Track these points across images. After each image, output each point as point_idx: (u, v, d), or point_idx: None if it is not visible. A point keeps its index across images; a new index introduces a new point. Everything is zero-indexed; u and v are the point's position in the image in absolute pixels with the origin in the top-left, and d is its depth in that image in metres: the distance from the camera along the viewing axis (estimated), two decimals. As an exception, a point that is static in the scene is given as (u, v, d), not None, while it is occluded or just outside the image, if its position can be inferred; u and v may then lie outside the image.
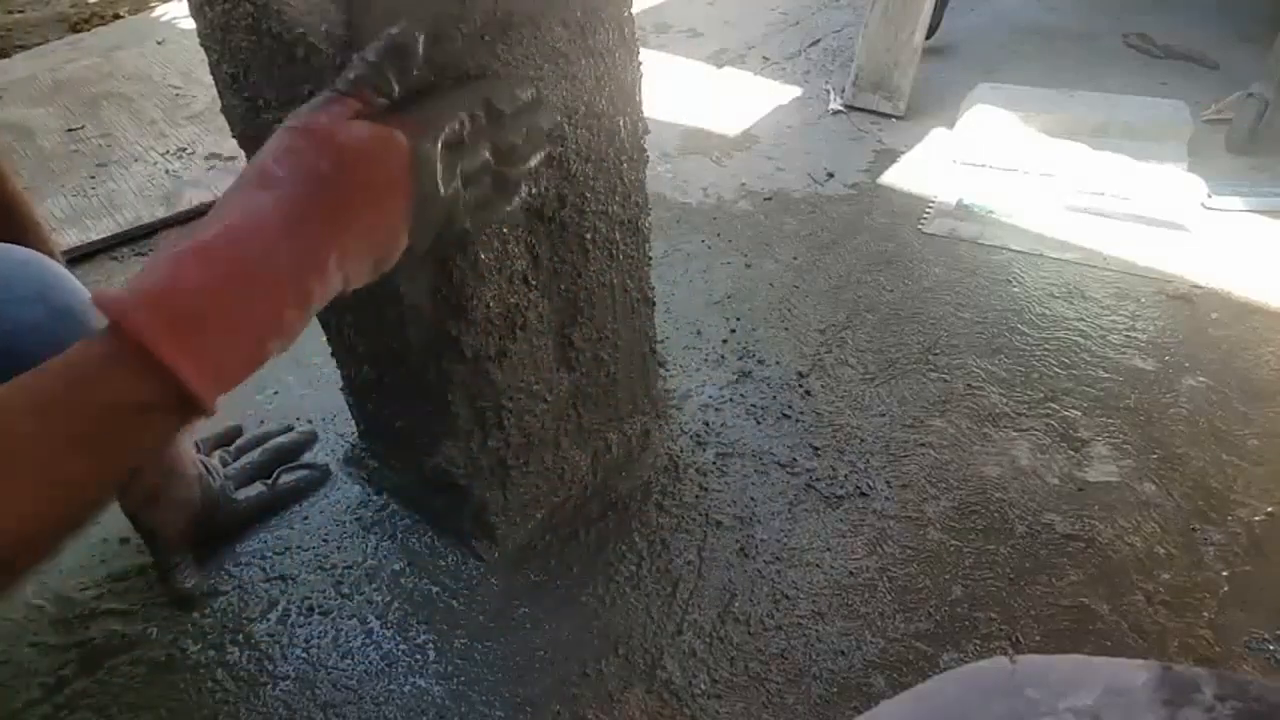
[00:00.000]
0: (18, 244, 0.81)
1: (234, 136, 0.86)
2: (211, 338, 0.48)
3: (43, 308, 0.75)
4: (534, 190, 0.80)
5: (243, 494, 1.06)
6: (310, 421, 1.21)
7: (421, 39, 0.59)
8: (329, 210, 0.52)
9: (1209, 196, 1.58)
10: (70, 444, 0.46)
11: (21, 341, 0.71)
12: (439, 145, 0.58)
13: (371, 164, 0.55)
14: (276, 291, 0.50)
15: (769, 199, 1.68)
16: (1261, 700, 0.35)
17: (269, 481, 1.08)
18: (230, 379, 0.49)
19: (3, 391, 0.45)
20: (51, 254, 0.86)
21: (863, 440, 1.15)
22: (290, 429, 1.17)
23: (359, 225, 0.54)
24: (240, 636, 0.95)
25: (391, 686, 0.90)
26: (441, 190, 0.59)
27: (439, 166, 0.58)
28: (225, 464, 1.09)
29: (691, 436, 1.16)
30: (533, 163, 0.68)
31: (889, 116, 1.95)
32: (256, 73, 0.76)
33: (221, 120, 0.88)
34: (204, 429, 1.18)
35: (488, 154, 0.63)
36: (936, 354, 1.29)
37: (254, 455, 1.11)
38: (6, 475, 0.44)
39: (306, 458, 1.15)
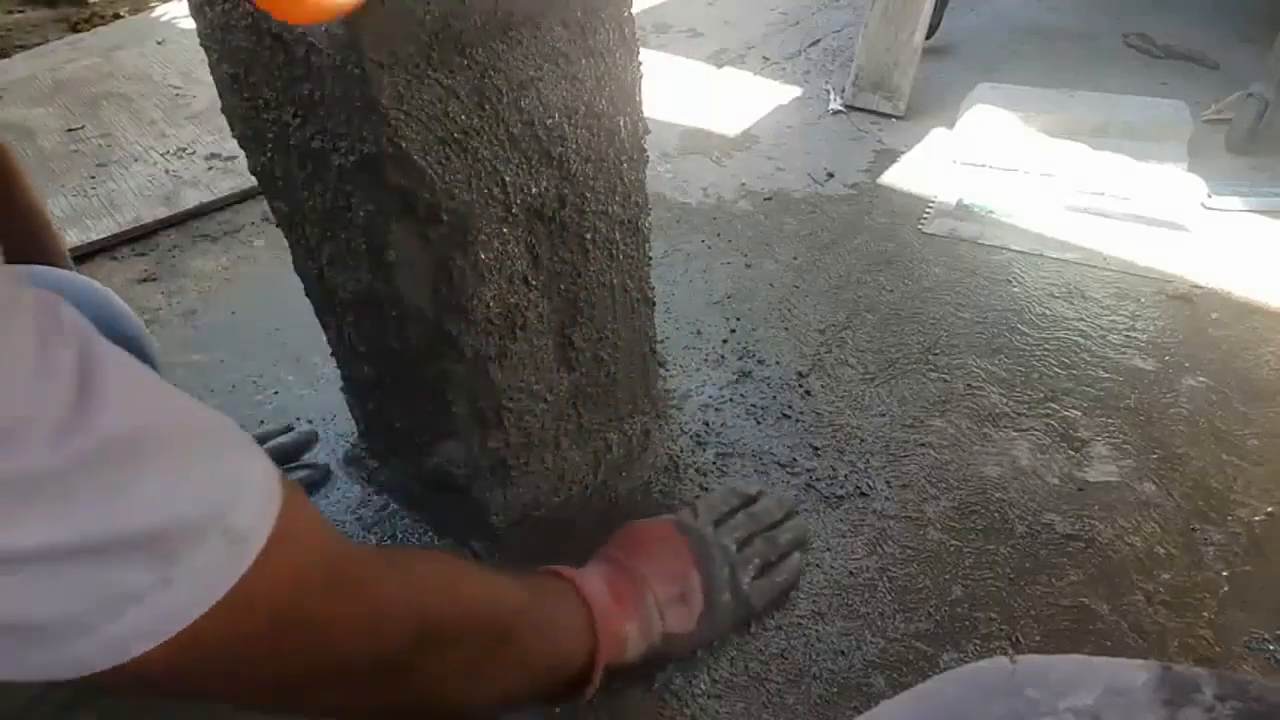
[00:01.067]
0: (37, 255, 0.82)
1: (234, 136, 0.86)
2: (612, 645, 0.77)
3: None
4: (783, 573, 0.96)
5: None
6: (310, 422, 1.21)
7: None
8: (633, 556, 0.88)
9: (1209, 196, 1.58)
10: (535, 673, 0.70)
11: None
12: (704, 524, 0.93)
13: (654, 534, 0.91)
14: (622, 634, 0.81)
15: (769, 199, 1.68)
16: (1261, 700, 0.35)
17: None
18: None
19: (524, 597, 0.70)
20: (69, 268, 0.87)
21: (863, 440, 1.15)
22: (289, 429, 1.17)
23: (664, 573, 0.86)
24: (240, 636, 0.95)
25: (391, 686, 0.90)
26: (721, 572, 0.88)
27: (708, 544, 0.89)
28: None
29: (691, 436, 1.16)
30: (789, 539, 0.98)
31: (889, 116, 1.95)
32: (256, 73, 0.76)
33: (221, 120, 0.88)
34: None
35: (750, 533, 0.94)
36: (936, 354, 1.29)
37: None
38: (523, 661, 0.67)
39: (307, 458, 1.15)
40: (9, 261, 0.80)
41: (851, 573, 0.99)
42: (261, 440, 1.14)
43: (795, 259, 1.51)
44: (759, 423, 1.18)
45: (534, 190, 0.82)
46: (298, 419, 1.22)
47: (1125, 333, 1.31)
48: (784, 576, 0.94)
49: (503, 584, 0.68)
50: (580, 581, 0.76)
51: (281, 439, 1.14)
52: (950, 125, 1.88)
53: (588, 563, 0.85)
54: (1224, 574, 0.97)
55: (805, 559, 0.98)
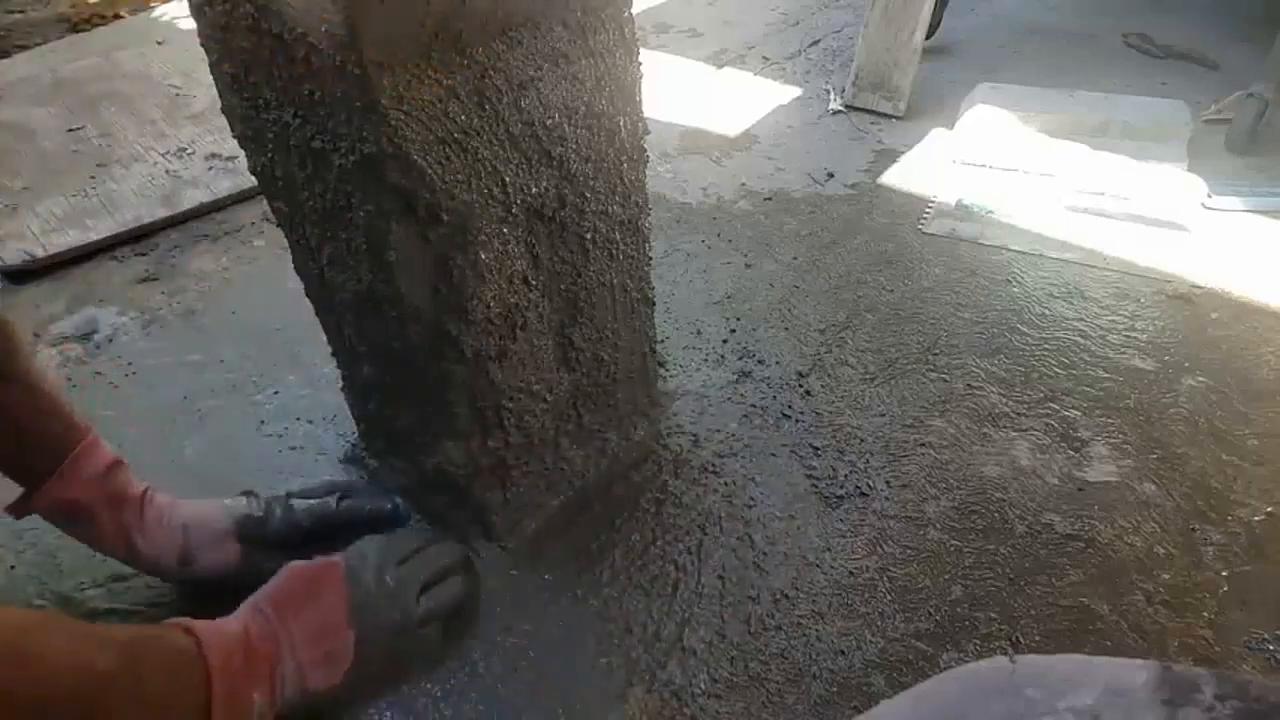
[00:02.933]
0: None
1: (234, 136, 0.86)
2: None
3: None
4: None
5: (301, 503, 0.96)
6: (311, 422, 1.21)
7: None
8: (285, 610, 0.80)
9: (1209, 196, 1.58)
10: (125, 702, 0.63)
11: None
12: (370, 564, 0.86)
13: (317, 579, 0.83)
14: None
15: (769, 199, 1.68)
16: (1261, 700, 0.35)
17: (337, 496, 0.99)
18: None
19: (116, 667, 0.63)
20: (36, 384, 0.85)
21: (863, 440, 1.15)
22: (345, 495, 1.02)
23: (316, 627, 0.80)
24: (240, 636, 0.95)
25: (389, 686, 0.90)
26: (385, 612, 0.84)
27: (374, 583, 0.84)
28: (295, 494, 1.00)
29: (691, 436, 1.16)
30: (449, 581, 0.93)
31: (889, 116, 1.95)
32: (256, 73, 0.76)
33: (221, 120, 0.88)
34: (214, 425, 1.18)
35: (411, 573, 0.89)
36: (936, 354, 1.29)
37: (329, 502, 0.99)
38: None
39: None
40: None
41: (851, 573, 0.99)
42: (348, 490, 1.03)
43: (795, 259, 1.51)
44: (759, 423, 1.18)
45: (534, 190, 0.82)
46: (297, 419, 1.22)
47: (1125, 333, 1.31)
48: (448, 594, 0.90)
49: (93, 649, 0.61)
50: (208, 644, 0.69)
51: (361, 500, 1.01)
52: (950, 125, 1.88)
53: (241, 607, 0.78)
54: (1224, 574, 0.97)
55: (467, 585, 0.94)
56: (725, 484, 1.10)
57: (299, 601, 0.79)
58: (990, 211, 1.59)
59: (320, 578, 0.82)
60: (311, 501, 0.97)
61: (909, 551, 1.01)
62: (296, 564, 0.83)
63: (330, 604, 0.81)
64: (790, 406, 1.21)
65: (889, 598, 0.96)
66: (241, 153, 0.87)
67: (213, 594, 0.84)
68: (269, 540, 0.93)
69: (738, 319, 1.37)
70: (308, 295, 0.98)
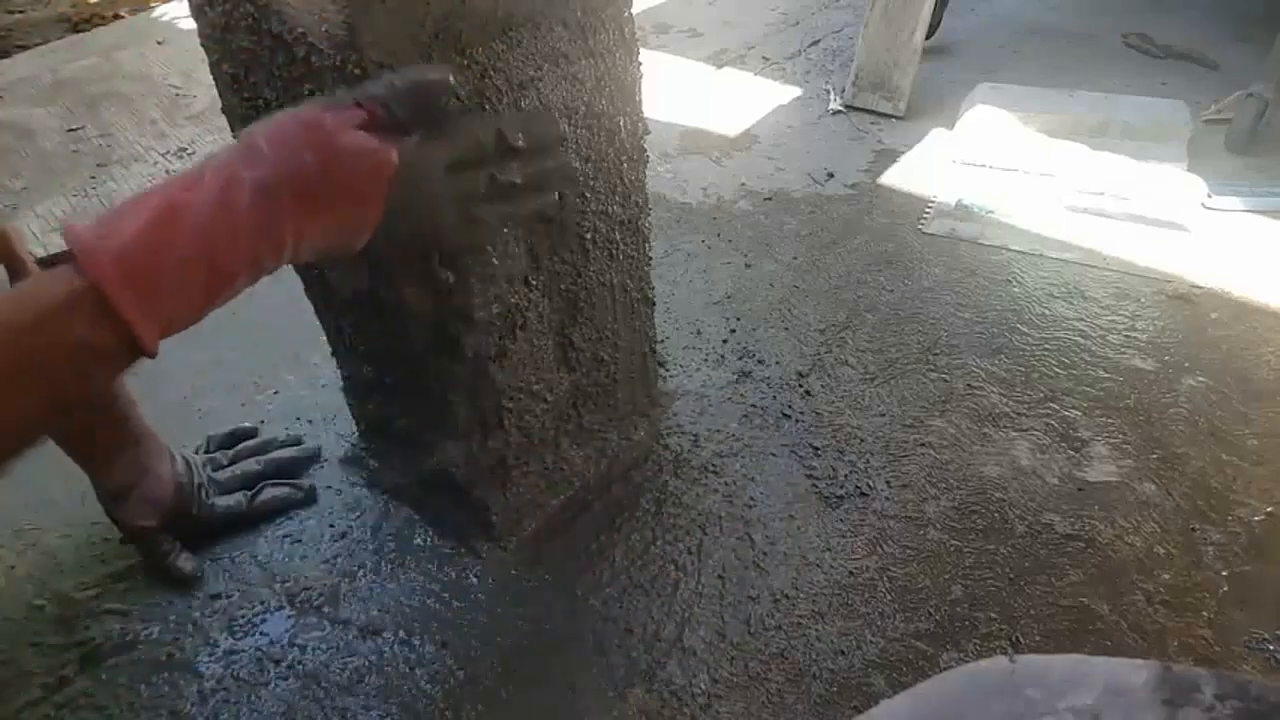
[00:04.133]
0: None
1: (234, 136, 0.86)
2: (165, 295, 0.53)
3: None
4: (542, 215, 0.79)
5: (220, 502, 1.04)
6: (311, 422, 1.21)
7: (453, 84, 0.62)
8: (301, 200, 0.56)
9: (1209, 196, 1.58)
10: (25, 372, 0.50)
11: None
12: (430, 169, 0.63)
13: (356, 172, 0.59)
14: (232, 260, 0.55)
15: (769, 199, 1.68)
16: (1261, 700, 0.35)
17: (250, 493, 1.07)
18: (176, 329, 0.55)
19: None
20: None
21: (863, 440, 1.15)
22: (299, 442, 1.16)
23: (324, 220, 0.59)
24: (241, 636, 0.95)
25: (391, 686, 0.90)
26: (419, 207, 0.64)
27: (422, 186, 0.63)
28: (219, 466, 1.08)
29: (691, 436, 1.16)
30: (533, 205, 0.72)
31: (889, 116, 1.95)
32: (257, 73, 0.76)
33: (221, 120, 0.88)
34: (214, 425, 1.18)
35: (484, 185, 0.68)
36: (936, 354, 1.29)
37: (249, 464, 1.10)
38: None
39: (309, 472, 1.14)
40: None
41: (851, 573, 0.99)
42: (263, 449, 1.13)
43: (795, 259, 1.51)
44: (759, 423, 1.18)
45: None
46: (298, 419, 1.22)
47: (1125, 333, 1.31)
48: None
49: None
50: (95, 258, 0.52)
51: (280, 454, 1.13)
52: (950, 125, 1.88)
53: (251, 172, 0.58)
54: (1224, 574, 0.97)
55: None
56: (725, 484, 1.10)
57: (330, 205, 0.59)
58: (990, 211, 1.59)
59: (369, 175, 0.60)
60: (229, 501, 1.05)
61: (909, 551, 1.01)
62: (348, 137, 0.59)
63: (361, 201, 0.61)
64: (790, 406, 1.21)
65: (889, 598, 0.96)
66: (241, 153, 0.87)
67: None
68: (187, 519, 1.01)
69: (738, 319, 1.37)
70: (308, 295, 0.98)
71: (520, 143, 0.70)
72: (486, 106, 0.73)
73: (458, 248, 0.75)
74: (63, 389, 0.53)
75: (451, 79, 0.62)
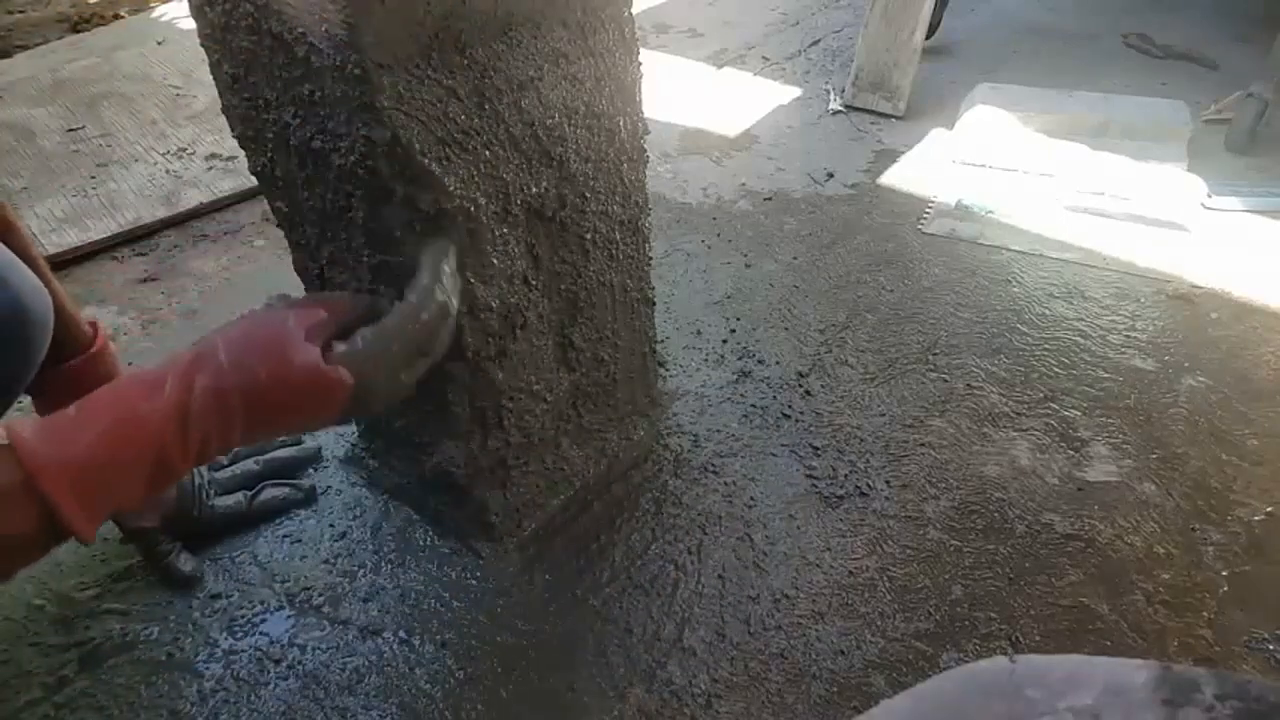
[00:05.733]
0: None
1: (234, 136, 0.86)
2: (110, 498, 0.56)
3: None
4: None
5: (220, 502, 1.04)
6: (310, 421, 1.21)
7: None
8: (252, 410, 0.59)
9: (1209, 196, 1.58)
10: None
11: None
12: (384, 374, 0.66)
13: (312, 392, 0.61)
14: (181, 461, 0.58)
15: (769, 199, 1.68)
16: (1261, 700, 0.35)
17: (250, 494, 1.07)
18: (103, 518, 0.57)
19: None
20: (34, 258, 0.85)
21: (863, 440, 1.15)
22: (299, 442, 1.16)
23: (273, 425, 0.61)
24: (241, 636, 0.95)
25: (391, 686, 0.90)
26: (372, 407, 0.66)
27: (376, 392, 0.66)
28: (219, 466, 1.08)
29: (691, 436, 1.16)
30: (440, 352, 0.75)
31: (889, 116, 1.95)
32: (257, 73, 0.76)
33: (221, 120, 0.88)
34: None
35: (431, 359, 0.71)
36: (936, 354, 1.29)
37: (249, 464, 1.10)
38: None
39: (308, 472, 1.14)
40: None
41: (851, 573, 0.99)
42: (265, 448, 1.13)
43: (795, 259, 1.51)
44: (759, 423, 1.18)
45: (534, 190, 0.82)
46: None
47: (1125, 333, 1.31)
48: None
49: None
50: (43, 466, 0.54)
51: (281, 453, 1.13)
52: (950, 125, 1.88)
53: (205, 373, 0.59)
54: (1224, 574, 0.97)
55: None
56: (725, 484, 1.10)
57: (280, 411, 0.61)
58: (990, 211, 1.59)
59: (323, 395, 0.63)
60: (229, 501, 1.05)
61: (909, 551, 1.01)
62: (302, 356, 0.61)
63: (315, 412, 0.63)
64: (790, 406, 1.21)
65: (889, 598, 0.96)
66: (241, 153, 0.87)
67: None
68: (187, 519, 1.01)
69: (738, 319, 1.37)
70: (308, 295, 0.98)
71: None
72: (486, 107, 0.73)
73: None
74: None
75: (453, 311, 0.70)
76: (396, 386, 0.68)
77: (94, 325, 0.92)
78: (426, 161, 0.70)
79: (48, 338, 0.79)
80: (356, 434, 1.15)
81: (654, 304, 1.08)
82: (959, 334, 1.32)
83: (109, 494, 0.56)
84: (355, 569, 1.02)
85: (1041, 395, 1.21)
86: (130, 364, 1.32)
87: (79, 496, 0.54)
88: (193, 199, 1.71)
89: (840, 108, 1.99)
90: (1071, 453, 1.12)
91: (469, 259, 0.78)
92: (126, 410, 0.56)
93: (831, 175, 1.75)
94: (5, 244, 0.82)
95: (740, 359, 1.29)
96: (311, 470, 1.14)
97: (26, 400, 0.90)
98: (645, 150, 0.94)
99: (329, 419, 0.65)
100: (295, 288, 0.97)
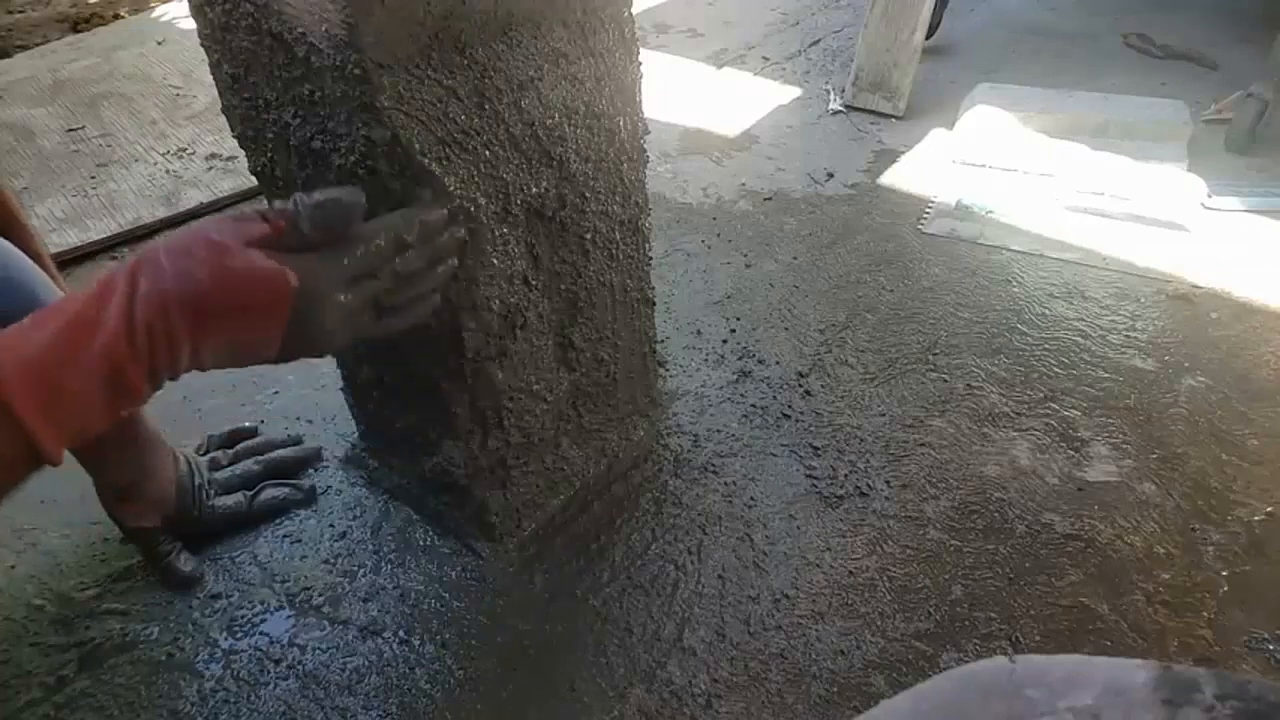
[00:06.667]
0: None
1: (234, 136, 0.86)
2: (69, 407, 0.55)
3: None
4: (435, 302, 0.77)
5: (220, 502, 1.04)
6: (311, 422, 1.21)
7: (362, 211, 0.64)
8: (193, 315, 0.58)
9: (1209, 196, 1.58)
10: None
11: None
12: (333, 285, 0.63)
13: (249, 292, 0.60)
14: (133, 372, 0.57)
15: (769, 199, 1.68)
16: (1261, 700, 0.35)
17: (250, 494, 1.07)
18: (80, 439, 0.57)
19: None
20: (38, 253, 0.86)
21: (863, 440, 1.15)
22: (298, 442, 1.16)
23: (219, 335, 0.60)
24: (241, 636, 0.95)
25: (391, 686, 0.90)
26: (325, 324, 0.63)
27: (326, 304, 0.63)
28: (218, 466, 1.08)
29: (691, 436, 1.16)
30: (434, 281, 0.72)
31: (889, 116, 1.95)
32: (257, 73, 0.76)
33: (221, 120, 0.88)
34: (214, 425, 1.18)
35: (386, 282, 0.67)
36: (936, 354, 1.29)
37: (249, 464, 1.10)
38: None
39: (309, 472, 1.14)
40: None
41: (851, 573, 0.99)
42: (263, 449, 1.13)
43: (795, 259, 1.51)
44: (759, 423, 1.18)
45: (534, 190, 0.82)
46: (298, 419, 1.22)
47: (1125, 333, 1.31)
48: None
49: None
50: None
51: (282, 453, 1.13)
52: (950, 125, 1.88)
53: (147, 286, 0.58)
54: (1224, 574, 0.97)
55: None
56: (725, 484, 1.10)
57: (224, 322, 0.60)
58: (990, 211, 1.59)
59: (265, 298, 0.61)
60: (230, 501, 1.05)
61: (909, 551, 1.01)
62: (242, 257, 0.60)
63: (261, 322, 0.62)
64: (790, 406, 1.21)
65: (889, 598, 0.96)
66: (241, 153, 0.87)
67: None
68: (188, 519, 1.02)
69: (738, 319, 1.37)
70: (308, 295, 0.98)
71: (413, 237, 0.69)
72: (486, 107, 0.73)
73: (367, 341, 0.75)
74: None
75: (363, 200, 0.63)
76: (341, 307, 0.64)
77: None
78: (426, 161, 0.70)
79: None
80: (356, 434, 1.15)
81: (654, 304, 1.08)
82: (959, 334, 1.32)
83: (68, 402, 0.55)
84: (355, 569, 1.02)
85: (1041, 395, 1.21)
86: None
87: (38, 403, 0.53)
88: (193, 199, 1.71)
89: (840, 108, 1.99)
90: (1071, 453, 1.12)
91: (469, 259, 0.78)
92: (74, 314, 0.56)
93: (831, 175, 1.75)
94: (12, 240, 0.83)
95: (740, 359, 1.29)
96: (311, 470, 1.14)
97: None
98: (645, 150, 0.94)
99: (275, 331, 0.62)
100: (295, 288, 0.97)
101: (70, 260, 1.56)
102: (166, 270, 0.58)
